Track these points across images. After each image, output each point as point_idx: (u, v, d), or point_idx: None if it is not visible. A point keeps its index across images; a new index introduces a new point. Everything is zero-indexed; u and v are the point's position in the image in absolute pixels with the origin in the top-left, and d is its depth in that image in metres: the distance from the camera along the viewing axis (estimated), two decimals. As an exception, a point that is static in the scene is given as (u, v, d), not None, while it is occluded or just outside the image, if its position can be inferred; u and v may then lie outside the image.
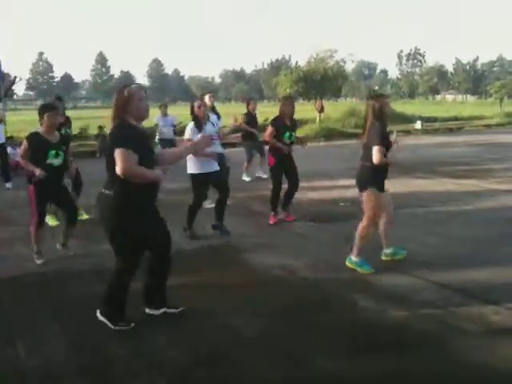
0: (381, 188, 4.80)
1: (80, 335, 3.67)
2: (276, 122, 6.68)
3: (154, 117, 10.49)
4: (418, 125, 22.71)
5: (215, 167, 6.04)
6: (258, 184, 9.62)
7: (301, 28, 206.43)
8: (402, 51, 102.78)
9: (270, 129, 6.65)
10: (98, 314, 3.76)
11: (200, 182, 5.99)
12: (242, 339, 3.55)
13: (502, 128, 23.02)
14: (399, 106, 36.15)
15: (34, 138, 5.20)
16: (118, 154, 3.33)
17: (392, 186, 8.95)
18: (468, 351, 3.29)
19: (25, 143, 5.22)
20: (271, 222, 6.65)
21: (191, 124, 6.03)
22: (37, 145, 5.15)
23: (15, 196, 9.09)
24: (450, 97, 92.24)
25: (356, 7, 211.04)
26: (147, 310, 3.90)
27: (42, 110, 5.18)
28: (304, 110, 23.39)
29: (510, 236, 5.77)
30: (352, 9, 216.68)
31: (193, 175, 6.02)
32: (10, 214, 7.59)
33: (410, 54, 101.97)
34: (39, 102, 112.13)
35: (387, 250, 5.06)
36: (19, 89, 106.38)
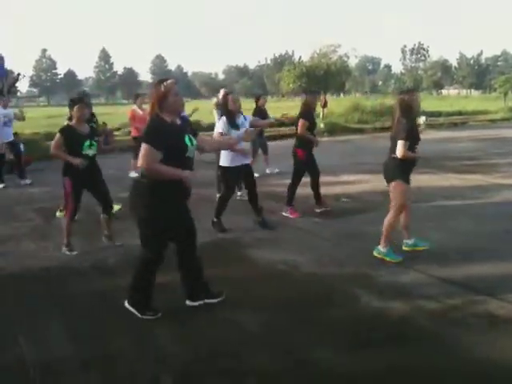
0: (407, 180, 4.91)
1: (82, 331, 3.68)
2: (307, 114, 6.76)
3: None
4: (422, 119, 22.62)
5: (246, 161, 6.12)
6: (261, 180, 9.60)
7: (304, 23, 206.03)
8: (405, 46, 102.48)
9: (302, 122, 6.66)
10: (126, 303, 3.84)
11: (231, 175, 6.08)
12: (244, 334, 3.55)
13: (507, 122, 22.91)
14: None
15: (67, 130, 5.36)
16: (142, 148, 3.42)
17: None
18: (471, 346, 3.28)
19: (58, 136, 5.32)
20: (293, 216, 6.69)
21: (224, 118, 6.04)
22: (71, 137, 5.30)
23: (19, 193, 9.12)
24: (453, 91, 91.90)
25: (359, 1, 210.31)
26: (187, 302, 3.97)
27: (72, 103, 5.35)
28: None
29: (514, 231, 5.74)
30: (355, 3, 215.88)
31: (225, 168, 6.10)
32: (14, 211, 7.61)
33: (413, 48, 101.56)
34: (42, 99, 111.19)
35: (409, 241, 5.14)
36: (22, 86, 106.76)
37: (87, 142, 5.31)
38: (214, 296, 4.00)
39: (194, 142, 3.62)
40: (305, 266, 4.88)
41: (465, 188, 8.26)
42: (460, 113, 26.75)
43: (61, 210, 6.82)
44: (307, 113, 6.74)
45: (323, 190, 7.01)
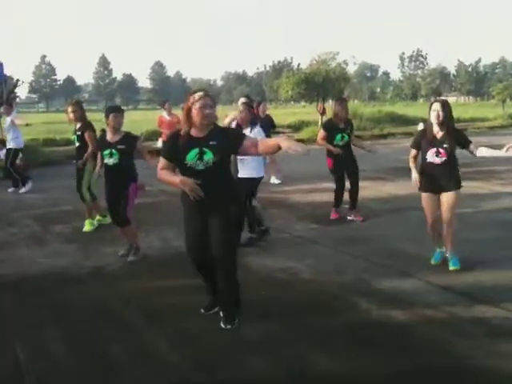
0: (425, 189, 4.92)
1: (80, 338, 3.65)
2: (327, 124, 6.88)
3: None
4: (421, 126, 22.56)
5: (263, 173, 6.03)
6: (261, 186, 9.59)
7: (303, 30, 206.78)
8: (404, 53, 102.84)
9: (321, 132, 6.77)
10: (228, 324, 3.75)
11: (255, 186, 5.90)
12: (242, 342, 3.52)
13: (505, 130, 22.97)
14: (401, 108, 36.16)
15: (100, 136, 5.66)
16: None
17: (394, 187, 8.98)
18: (470, 354, 3.25)
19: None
20: (332, 217, 6.77)
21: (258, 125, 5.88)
22: (99, 142, 5.62)
23: (17, 199, 9.09)
24: (452, 99, 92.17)
25: (358, 9, 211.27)
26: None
27: (108, 111, 5.45)
28: (306, 112, 23.37)
29: (513, 238, 5.72)
30: (354, 11, 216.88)
31: (253, 179, 5.81)
32: (12, 217, 7.58)
33: (412, 55, 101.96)
34: (41, 105, 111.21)
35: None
36: (22, 92, 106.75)
37: (107, 151, 5.29)
38: (225, 319, 3.75)
39: (208, 156, 3.52)
40: (304, 273, 4.85)
41: (463, 195, 8.16)
42: (458, 120, 26.81)
43: (104, 216, 6.68)
44: (329, 122, 6.88)
45: (324, 197, 6.99)
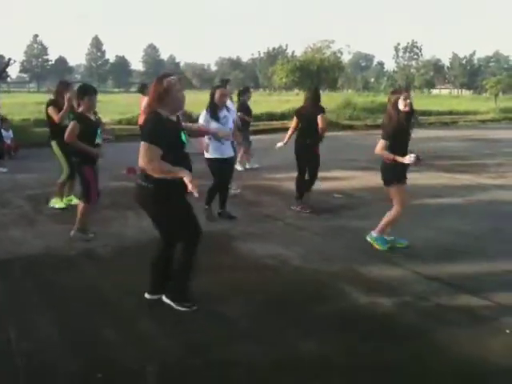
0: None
1: (72, 320, 3.67)
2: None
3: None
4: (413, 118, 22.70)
5: (227, 154, 6.15)
6: (251, 173, 9.63)
7: (298, 18, 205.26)
8: (399, 44, 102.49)
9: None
10: (165, 298, 3.85)
11: (216, 167, 6.10)
12: (232, 328, 3.57)
13: (497, 124, 23.11)
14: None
15: (83, 118, 5.27)
16: (141, 147, 3.36)
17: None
18: (456, 344, 3.33)
19: (75, 124, 5.20)
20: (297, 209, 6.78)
21: (205, 111, 6.11)
22: (86, 125, 5.25)
23: (8, 179, 9.04)
24: (445, 91, 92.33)
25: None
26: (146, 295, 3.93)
27: (82, 92, 5.24)
28: (299, 100, 23.25)
29: (500, 230, 5.82)
30: (350, 0, 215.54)
31: (208, 159, 6.12)
32: (3, 197, 7.55)
33: (407, 46, 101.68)
34: (32, 85, 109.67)
35: (388, 238, 5.20)
36: (13, 71, 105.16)
37: (99, 130, 5.35)
38: (172, 298, 3.83)
39: (186, 139, 3.58)
40: (293, 260, 4.90)
41: (453, 187, 8.33)
42: (451, 112, 26.93)
43: (79, 198, 6.67)
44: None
45: (316, 185, 7.03)
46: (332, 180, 8.72)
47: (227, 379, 2.99)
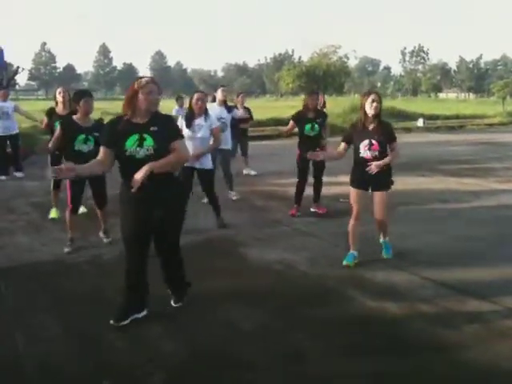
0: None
1: (76, 326, 3.68)
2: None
3: (170, 109, 10.70)
4: (420, 122, 22.66)
5: (196, 164, 5.85)
6: (257, 179, 9.63)
7: (305, 23, 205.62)
8: (405, 48, 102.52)
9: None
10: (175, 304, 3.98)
11: (183, 175, 5.72)
12: (240, 333, 3.56)
13: (504, 127, 22.98)
14: (401, 103, 36.11)
15: (67, 120, 5.34)
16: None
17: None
18: (464, 349, 3.30)
19: (58, 130, 5.42)
20: (290, 214, 6.81)
21: (181, 118, 6.04)
22: (67, 128, 5.27)
23: (16, 186, 9.10)
24: (452, 95, 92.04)
25: (360, 3, 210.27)
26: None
27: (77, 97, 5.23)
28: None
29: (508, 235, 5.78)
30: (356, 5, 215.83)
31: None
32: (12, 204, 7.60)
33: (413, 51, 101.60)
34: (41, 93, 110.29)
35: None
36: (21, 79, 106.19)
37: (81, 136, 5.12)
38: (181, 298, 3.99)
39: (148, 143, 3.42)
40: (300, 265, 4.89)
41: (460, 192, 8.29)
42: (458, 116, 26.82)
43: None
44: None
45: (323, 191, 7.04)
46: (338, 185, 8.68)
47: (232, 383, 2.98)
